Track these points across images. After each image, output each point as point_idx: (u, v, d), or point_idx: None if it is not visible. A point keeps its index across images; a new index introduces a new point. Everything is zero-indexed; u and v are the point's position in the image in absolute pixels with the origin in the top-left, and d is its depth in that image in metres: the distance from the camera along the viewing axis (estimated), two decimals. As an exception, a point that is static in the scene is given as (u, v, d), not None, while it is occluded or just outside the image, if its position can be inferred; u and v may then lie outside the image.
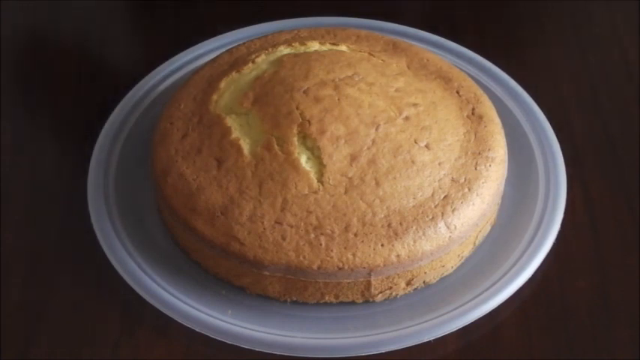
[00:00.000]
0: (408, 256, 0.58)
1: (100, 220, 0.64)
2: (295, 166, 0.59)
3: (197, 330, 0.59)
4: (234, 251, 0.58)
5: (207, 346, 0.59)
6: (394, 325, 0.59)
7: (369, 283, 0.59)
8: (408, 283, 0.61)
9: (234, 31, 0.77)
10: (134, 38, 0.84)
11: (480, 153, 0.62)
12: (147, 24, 0.84)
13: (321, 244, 0.57)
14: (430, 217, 0.59)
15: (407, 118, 0.62)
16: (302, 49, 0.67)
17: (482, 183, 0.61)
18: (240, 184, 0.59)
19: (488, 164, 0.62)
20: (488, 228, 0.64)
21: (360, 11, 0.79)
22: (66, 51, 0.81)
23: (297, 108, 0.60)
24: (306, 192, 0.58)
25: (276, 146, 0.60)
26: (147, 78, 0.73)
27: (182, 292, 0.60)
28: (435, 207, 0.59)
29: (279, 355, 0.58)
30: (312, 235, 0.58)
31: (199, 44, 0.76)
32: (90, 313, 0.61)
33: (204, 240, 0.59)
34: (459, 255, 0.62)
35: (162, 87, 0.73)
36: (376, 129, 0.60)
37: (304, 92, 0.61)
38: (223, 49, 0.71)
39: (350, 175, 0.59)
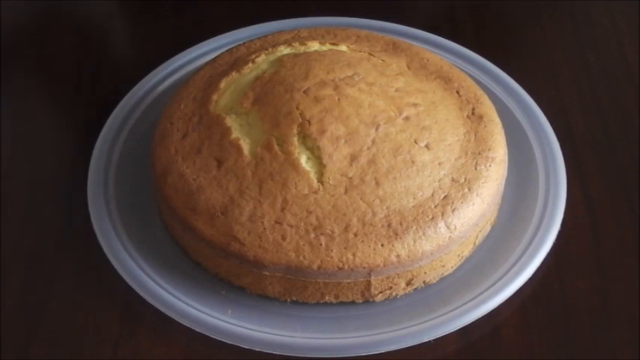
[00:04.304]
0: (408, 256, 0.58)
1: (100, 220, 0.64)
2: (295, 166, 0.59)
3: (197, 330, 0.59)
4: (234, 251, 0.58)
5: (207, 346, 0.59)
6: (394, 325, 0.59)
7: (369, 283, 0.59)
8: (408, 283, 0.61)
9: (234, 31, 0.77)
10: (134, 38, 0.84)
11: (480, 153, 0.62)
12: (147, 24, 0.84)
13: (321, 244, 0.57)
14: (430, 217, 0.59)
15: (407, 118, 0.62)
16: (302, 49, 0.67)
17: (483, 183, 0.61)
18: (240, 184, 0.59)
19: (488, 164, 0.62)
20: (488, 228, 0.64)
21: (360, 11, 0.79)
22: (66, 51, 0.81)
23: (297, 108, 0.60)
24: (306, 192, 0.58)
25: (276, 146, 0.59)
26: (147, 78, 0.74)
27: (182, 292, 0.60)
28: (435, 207, 0.59)
29: (279, 355, 0.58)
30: (312, 235, 0.58)
31: (199, 44, 0.76)
32: (90, 313, 0.61)
33: (204, 240, 0.59)
34: (459, 255, 0.62)
35: (162, 87, 0.73)
36: (376, 129, 0.60)
37: (304, 92, 0.61)
38: (223, 49, 0.71)
39: (350, 175, 0.59)
